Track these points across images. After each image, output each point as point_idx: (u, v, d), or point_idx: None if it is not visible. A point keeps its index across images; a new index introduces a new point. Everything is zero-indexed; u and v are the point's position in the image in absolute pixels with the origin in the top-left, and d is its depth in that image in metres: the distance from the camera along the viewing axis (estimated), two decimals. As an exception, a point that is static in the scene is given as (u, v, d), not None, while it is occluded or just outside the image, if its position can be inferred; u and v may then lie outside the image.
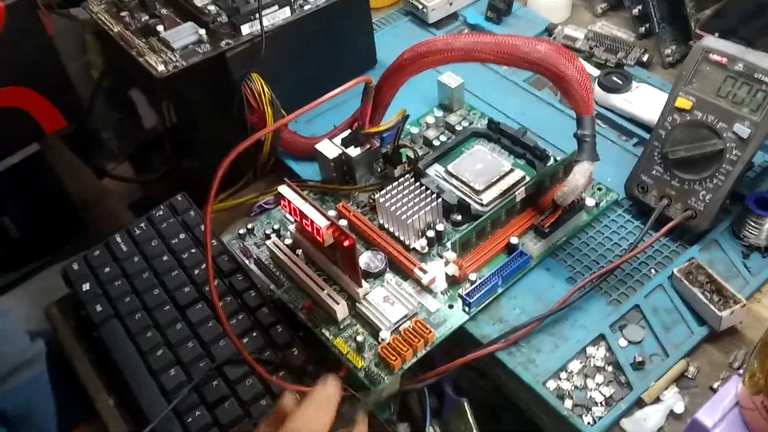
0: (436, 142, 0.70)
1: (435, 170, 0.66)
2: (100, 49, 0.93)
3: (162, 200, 0.68)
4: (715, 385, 0.52)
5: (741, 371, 0.52)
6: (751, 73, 0.57)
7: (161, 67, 0.66)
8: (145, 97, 0.97)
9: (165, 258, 0.63)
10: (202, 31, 0.68)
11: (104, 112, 0.97)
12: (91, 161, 0.94)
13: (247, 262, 0.63)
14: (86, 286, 0.62)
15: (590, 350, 0.55)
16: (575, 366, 0.54)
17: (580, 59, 0.75)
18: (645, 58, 0.75)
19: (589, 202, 0.63)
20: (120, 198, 0.95)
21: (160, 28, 0.69)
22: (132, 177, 1.01)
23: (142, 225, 0.65)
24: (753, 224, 0.59)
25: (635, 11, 0.78)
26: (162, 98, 0.82)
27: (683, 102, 0.59)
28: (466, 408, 0.59)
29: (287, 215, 0.58)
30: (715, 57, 0.59)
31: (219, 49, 0.67)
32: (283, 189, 0.57)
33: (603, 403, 0.52)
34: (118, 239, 0.65)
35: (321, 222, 0.54)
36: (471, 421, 0.59)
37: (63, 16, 0.88)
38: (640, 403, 0.52)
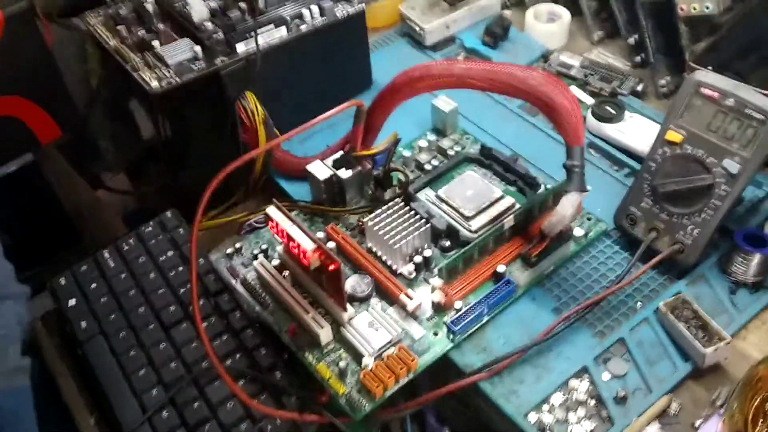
0: (428, 166, 0.70)
1: (425, 194, 0.66)
2: (99, 58, 0.93)
3: (156, 213, 0.68)
4: (697, 423, 0.52)
5: (722, 410, 0.51)
6: (742, 109, 0.57)
7: (155, 83, 0.66)
8: (142, 110, 0.97)
9: (152, 276, 0.63)
10: (198, 48, 0.68)
11: (101, 122, 0.97)
12: (87, 171, 0.94)
13: (233, 281, 0.63)
14: (72, 302, 0.62)
15: (573, 383, 0.55)
16: (557, 399, 0.54)
17: (574, 88, 0.75)
18: (639, 87, 0.76)
19: (578, 232, 0.63)
20: (114, 209, 0.95)
21: (155, 43, 0.69)
22: (126, 188, 1.00)
23: (131, 241, 0.65)
24: (741, 260, 0.59)
25: (631, 40, 0.78)
26: (156, 113, 0.82)
27: (674, 135, 0.59)
28: (448, 437, 0.59)
29: (275, 236, 0.58)
30: (706, 91, 0.59)
31: (213, 66, 0.67)
32: (271, 210, 0.57)
33: (584, 437, 0.52)
34: (107, 255, 0.65)
35: (307, 245, 0.54)
36: (453, 450, 0.59)
37: (63, 26, 0.88)
38: (621, 439, 0.52)
